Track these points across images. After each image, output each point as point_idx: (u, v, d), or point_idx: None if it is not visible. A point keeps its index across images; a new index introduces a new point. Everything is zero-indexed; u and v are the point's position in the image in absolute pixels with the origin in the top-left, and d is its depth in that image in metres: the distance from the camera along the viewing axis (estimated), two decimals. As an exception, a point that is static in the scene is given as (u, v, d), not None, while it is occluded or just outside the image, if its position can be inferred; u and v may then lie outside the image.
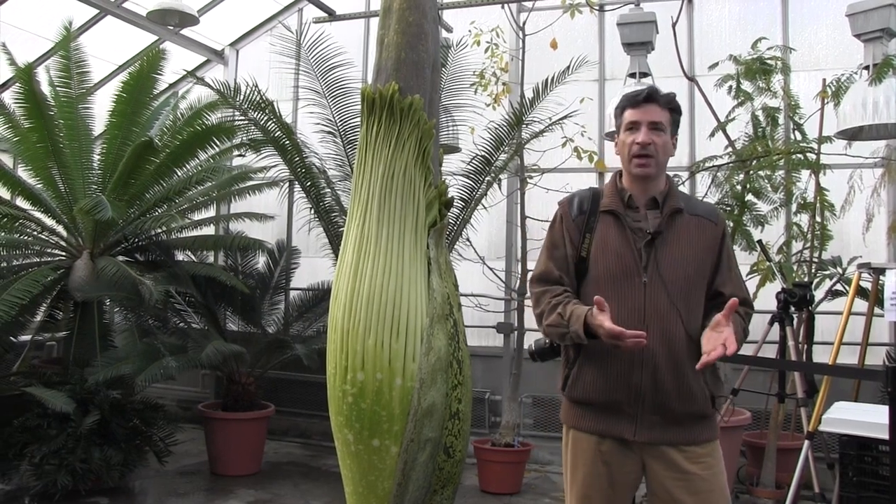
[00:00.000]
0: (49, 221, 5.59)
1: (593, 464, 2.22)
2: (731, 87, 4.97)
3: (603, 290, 2.14)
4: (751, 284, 4.86)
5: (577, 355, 2.25)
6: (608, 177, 2.64)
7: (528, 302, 4.56)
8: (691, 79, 5.46)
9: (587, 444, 2.24)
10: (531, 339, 2.78)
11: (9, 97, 5.51)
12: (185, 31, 6.49)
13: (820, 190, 4.79)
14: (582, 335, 2.09)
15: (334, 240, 5.42)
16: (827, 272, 4.90)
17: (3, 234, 5.41)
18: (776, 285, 4.45)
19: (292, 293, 6.61)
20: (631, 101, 2.26)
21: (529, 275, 2.55)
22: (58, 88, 5.48)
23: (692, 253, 2.22)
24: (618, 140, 2.31)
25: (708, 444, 2.21)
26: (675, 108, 2.30)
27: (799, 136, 4.99)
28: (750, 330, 2.35)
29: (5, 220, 5.28)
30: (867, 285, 4.43)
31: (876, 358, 4.85)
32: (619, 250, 2.21)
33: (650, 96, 2.25)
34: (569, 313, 2.13)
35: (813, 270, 4.84)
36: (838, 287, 4.89)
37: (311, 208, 5.50)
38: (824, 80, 4.88)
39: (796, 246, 5.00)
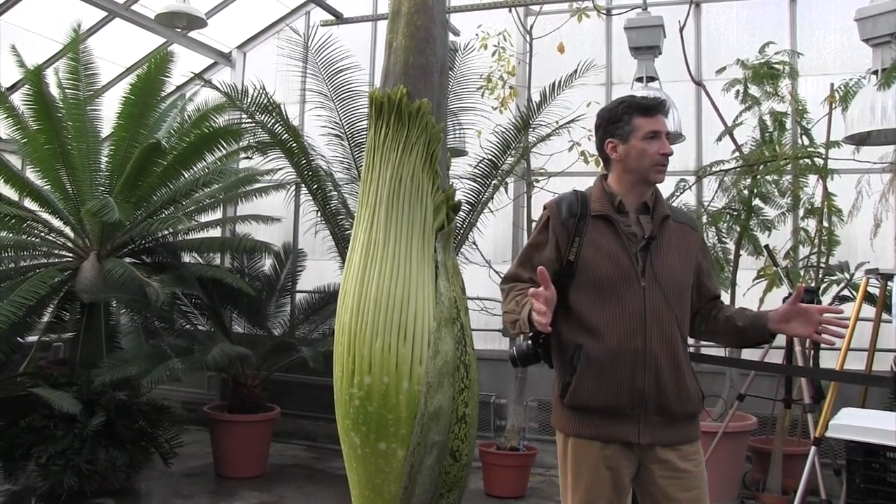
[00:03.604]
0: (56, 223, 5.60)
1: (597, 469, 2.22)
2: (738, 91, 4.96)
3: (600, 295, 2.18)
4: (757, 289, 4.89)
5: (577, 363, 2.24)
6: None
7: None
8: (699, 83, 5.45)
9: (590, 449, 2.23)
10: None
11: (18, 99, 5.52)
12: (193, 34, 6.50)
13: (827, 195, 4.77)
14: (526, 322, 2.11)
15: (341, 243, 5.43)
16: (834, 277, 4.88)
17: (10, 235, 5.43)
18: (783, 290, 4.43)
19: (298, 296, 6.62)
20: (645, 110, 2.29)
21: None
22: (66, 90, 5.49)
23: (681, 258, 2.31)
24: (627, 146, 2.28)
25: (696, 443, 2.30)
26: None
27: (806, 141, 4.97)
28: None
29: (13, 221, 5.30)
30: (875, 291, 4.42)
31: (883, 364, 4.82)
32: (616, 255, 2.23)
33: (664, 107, 2.33)
34: (525, 301, 2.15)
35: (820, 276, 4.83)
36: (846, 293, 4.87)
37: (317, 211, 5.49)
38: (832, 84, 4.87)
39: (803, 251, 4.98)
